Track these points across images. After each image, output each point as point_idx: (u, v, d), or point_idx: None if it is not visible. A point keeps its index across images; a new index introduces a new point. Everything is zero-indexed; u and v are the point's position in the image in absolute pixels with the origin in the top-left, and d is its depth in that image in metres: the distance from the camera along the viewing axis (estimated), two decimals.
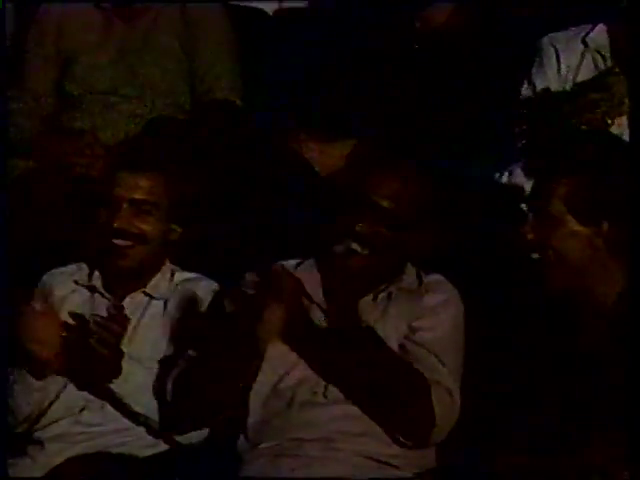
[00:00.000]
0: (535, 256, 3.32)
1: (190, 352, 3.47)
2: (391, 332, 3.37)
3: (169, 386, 3.45)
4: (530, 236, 3.30)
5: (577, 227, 3.33)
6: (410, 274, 3.47)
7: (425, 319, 3.40)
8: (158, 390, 3.47)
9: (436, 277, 3.47)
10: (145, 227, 3.52)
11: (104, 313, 3.57)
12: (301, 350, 3.40)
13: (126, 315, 3.51)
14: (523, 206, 3.73)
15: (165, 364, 3.51)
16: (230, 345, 3.38)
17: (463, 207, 3.96)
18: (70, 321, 3.48)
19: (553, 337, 3.40)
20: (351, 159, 3.76)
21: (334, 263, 3.37)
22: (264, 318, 3.30)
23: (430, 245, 3.60)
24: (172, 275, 3.60)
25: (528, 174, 3.79)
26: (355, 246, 3.37)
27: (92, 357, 3.39)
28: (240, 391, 3.39)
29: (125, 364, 3.37)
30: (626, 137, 3.81)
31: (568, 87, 4.11)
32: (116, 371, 3.36)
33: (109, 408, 3.52)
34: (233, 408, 3.39)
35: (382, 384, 3.27)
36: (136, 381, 3.42)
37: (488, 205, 3.99)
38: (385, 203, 3.29)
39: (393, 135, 3.88)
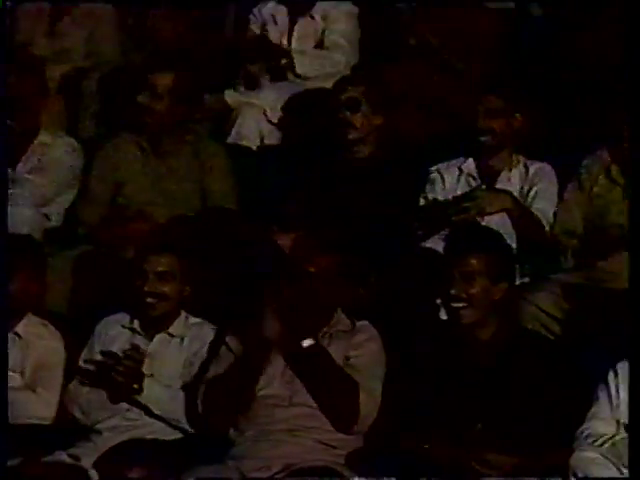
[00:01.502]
0: (456, 305, 3.41)
1: (209, 375, 3.49)
2: None
3: (199, 405, 3.47)
4: (453, 291, 3.39)
5: (487, 284, 3.40)
6: (345, 321, 3.55)
7: (356, 350, 3.48)
8: (190, 408, 3.51)
9: (363, 322, 3.57)
10: (166, 289, 3.60)
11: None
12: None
13: (142, 352, 3.56)
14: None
15: (190, 388, 3.53)
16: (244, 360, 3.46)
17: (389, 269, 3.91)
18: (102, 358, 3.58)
19: (447, 357, 3.47)
20: (295, 243, 3.90)
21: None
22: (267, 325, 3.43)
23: (351, 295, 3.74)
24: (186, 319, 3.68)
25: (444, 249, 3.64)
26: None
27: (116, 382, 3.51)
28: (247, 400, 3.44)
29: (146, 383, 3.48)
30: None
31: (450, 198, 4.11)
32: (138, 390, 3.48)
33: None
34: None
35: (329, 386, 3.41)
36: (155, 394, 3.51)
37: (410, 267, 3.92)
38: (311, 268, 3.47)
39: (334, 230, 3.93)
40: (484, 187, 3.97)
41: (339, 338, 3.41)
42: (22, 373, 3.59)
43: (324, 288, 3.41)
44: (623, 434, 3.22)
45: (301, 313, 3.36)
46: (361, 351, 3.41)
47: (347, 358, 3.39)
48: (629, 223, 3.46)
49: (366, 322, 3.49)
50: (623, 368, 3.25)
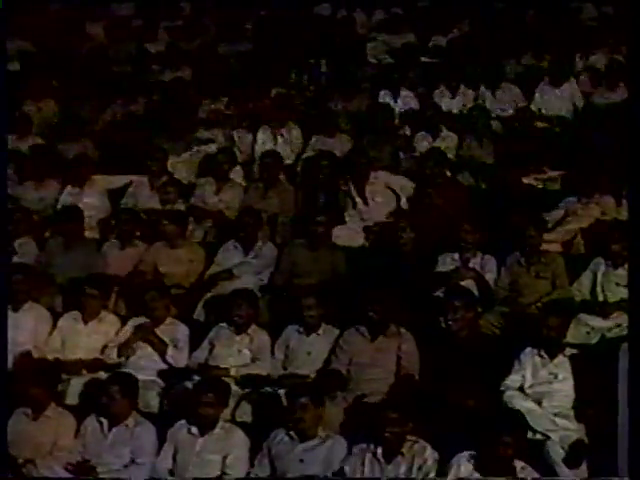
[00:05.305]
0: (450, 322, 4.92)
1: None
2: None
3: None
4: (449, 315, 4.85)
5: (464, 312, 4.79)
6: (393, 328, 5.19)
7: (405, 344, 5.14)
8: None
9: (404, 330, 5.17)
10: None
11: None
12: None
13: None
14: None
15: None
16: None
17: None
18: None
19: (445, 343, 4.92)
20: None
21: None
22: None
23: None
24: None
25: (444, 296, 5.23)
26: None
27: None
28: None
29: None
30: None
31: (447, 271, 5.75)
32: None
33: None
34: None
35: None
36: None
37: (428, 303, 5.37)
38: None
39: None
40: (462, 267, 5.80)
41: (393, 335, 5.32)
42: None
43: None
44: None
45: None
46: (408, 344, 5.24)
47: (399, 348, 5.14)
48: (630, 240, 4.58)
49: (405, 330, 5.28)
50: (527, 353, 4.91)
